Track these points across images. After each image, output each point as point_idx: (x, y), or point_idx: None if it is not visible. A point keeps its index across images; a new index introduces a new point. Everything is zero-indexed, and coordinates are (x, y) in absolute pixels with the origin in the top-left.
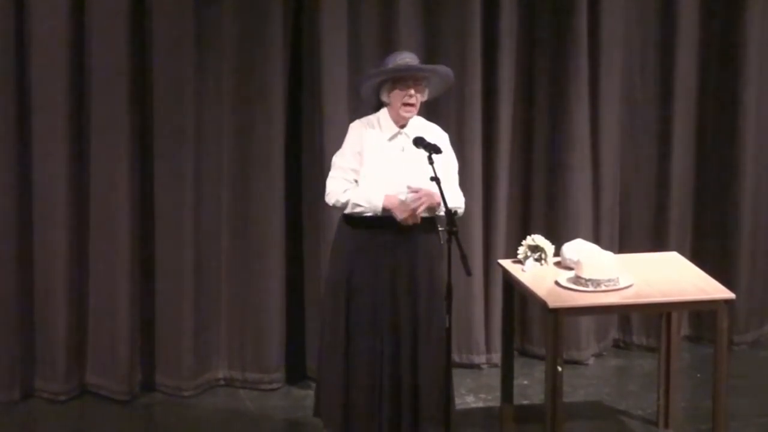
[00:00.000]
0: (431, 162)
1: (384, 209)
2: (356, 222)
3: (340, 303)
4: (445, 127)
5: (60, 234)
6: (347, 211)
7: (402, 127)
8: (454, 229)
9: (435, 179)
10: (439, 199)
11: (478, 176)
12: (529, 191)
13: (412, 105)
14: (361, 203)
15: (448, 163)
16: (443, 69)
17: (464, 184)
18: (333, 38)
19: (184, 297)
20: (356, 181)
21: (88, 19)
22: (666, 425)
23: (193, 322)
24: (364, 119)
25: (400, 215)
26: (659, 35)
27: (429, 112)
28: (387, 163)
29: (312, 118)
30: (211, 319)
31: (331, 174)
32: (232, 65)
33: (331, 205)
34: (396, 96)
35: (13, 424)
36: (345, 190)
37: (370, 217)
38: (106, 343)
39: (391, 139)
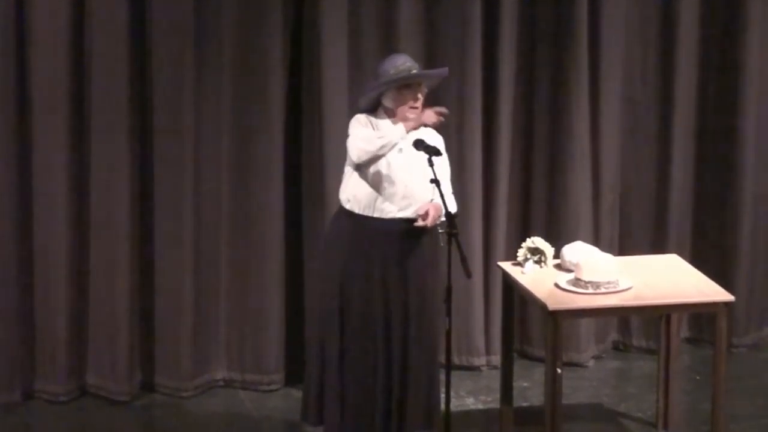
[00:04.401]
0: (431, 164)
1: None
2: (348, 231)
3: (333, 304)
4: (445, 129)
5: (60, 235)
6: (373, 151)
7: None
8: (454, 231)
9: (435, 181)
10: (441, 207)
11: (478, 178)
12: (528, 193)
13: (416, 108)
14: (386, 136)
15: (445, 166)
16: (444, 71)
17: (464, 185)
18: (333, 38)
19: (184, 299)
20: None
21: (88, 18)
22: (665, 427)
23: (192, 324)
24: (364, 117)
25: (424, 119)
26: (659, 36)
27: None
28: (385, 164)
29: (312, 118)
30: (210, 320)
31: (356, 141)
32: (232, 65)
33: (362, 159)
34: (401, 100)
35: (14, 426)
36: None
37: (363, 216)
38: (105, 345)
39: None
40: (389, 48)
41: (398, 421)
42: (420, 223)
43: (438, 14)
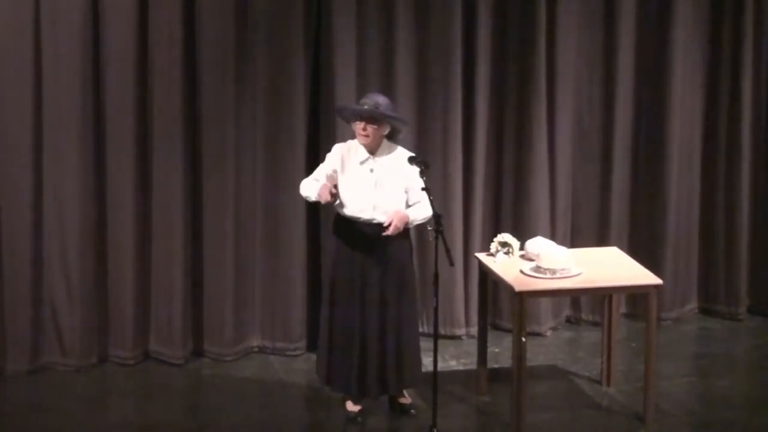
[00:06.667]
0: (422, 175)
1: (317, 196)
2: (338, 229)
3: (326, 292)
4: (432, 149)
5: (128, 232)
6: (303, 194)
7: (372, 153)
8: (440, 229)
9: (426, 189)
10: (407, 218)
11: (458, 187)
12: (499, 198)
13: (363, 135)
14: (304, 192)
15: (418, 181)
16: (378, 113)
17: (448, 193)
18: (343, 77)
19: (226, 283)
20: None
21: (150, 62)
22: (608, 384)
23: (233, 302)
24: (345, 143)
25: (322, 199)
26: (603, 74)
27: (420, 137)
28: (358, 181)
29: (326, 137)
30: (247, 300)
31: (305, 180)
32: (264, 98)
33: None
34: (354, 126)
35: (92, 383)
36: (306, 185)
37: (348, 219)
38: (164, 318)
39: (362, 162)
40: (389, 83)
41: (377, 378)
42: (387, 232)
43: (427, 48)
